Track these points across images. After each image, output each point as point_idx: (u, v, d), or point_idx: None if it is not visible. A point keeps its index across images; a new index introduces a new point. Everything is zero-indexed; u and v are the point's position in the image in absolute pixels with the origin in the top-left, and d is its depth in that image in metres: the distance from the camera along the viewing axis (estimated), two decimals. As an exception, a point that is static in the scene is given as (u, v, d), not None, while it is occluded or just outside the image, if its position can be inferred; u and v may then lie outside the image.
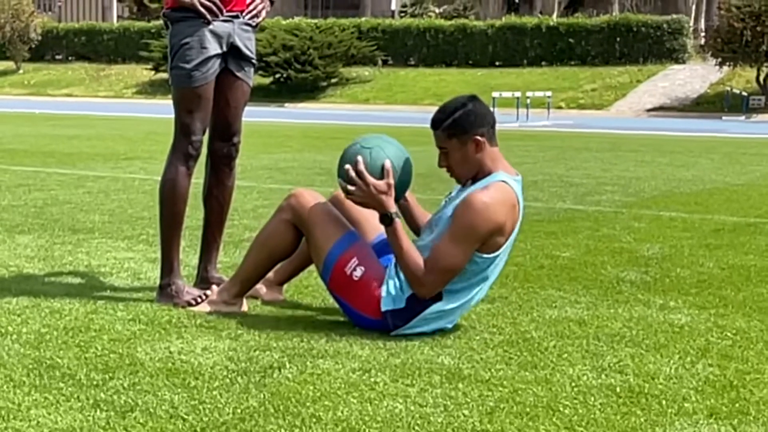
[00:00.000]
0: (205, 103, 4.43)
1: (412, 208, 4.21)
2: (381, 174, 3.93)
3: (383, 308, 3.94)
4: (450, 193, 4.16)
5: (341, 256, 3.99)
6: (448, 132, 3.94)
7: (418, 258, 3.89)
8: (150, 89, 41.56)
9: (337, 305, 4.19)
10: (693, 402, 3.18)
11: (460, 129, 3.92)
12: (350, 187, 3.93)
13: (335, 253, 4.00)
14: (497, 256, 3.96)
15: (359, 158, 3.94)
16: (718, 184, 10.58)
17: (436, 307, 3.94)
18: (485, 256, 3.92)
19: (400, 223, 3.94)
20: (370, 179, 3.91)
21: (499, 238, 3.91)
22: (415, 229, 4.21)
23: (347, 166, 3.94)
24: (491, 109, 4.12)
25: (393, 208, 3.93)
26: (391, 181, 3.93)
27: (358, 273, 3.97)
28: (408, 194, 4.19)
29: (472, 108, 3.95)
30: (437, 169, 4.12)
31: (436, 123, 3.98)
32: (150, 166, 11.07)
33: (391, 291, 3.96)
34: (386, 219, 3.92)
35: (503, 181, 3.94)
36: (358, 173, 3.92)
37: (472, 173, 3.98)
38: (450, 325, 4.03)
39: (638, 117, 32.50)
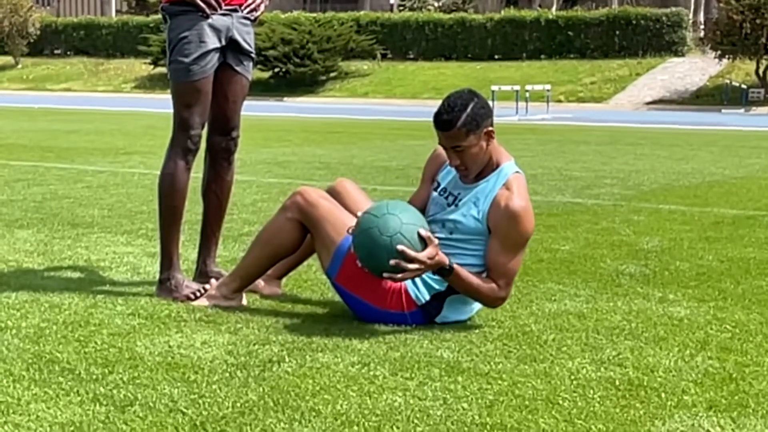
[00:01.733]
0: (204, 98, 4.43)
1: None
2: (422, 243, 3.82)
3: (420, 302, 3.98)
4: (438, 184, 4.14)
5: (351, 249, 3.99)
6: (466, 129, 3.90)
7: (489, 284, 3.94)
8: (149, 84, 41.51)
9: (338, 299, 4.20)
10: (692, 395, 3.18)
11: (475, 124, 3.91)
12: (402, 275, 3.82)
13: (345, 246, 4.00)
14: None
15: (401, 247, 3.77)
16: (717, 177, 10.58)
17: (456, 296, 4.02)
18: None
19: (458, 267, 3.90)
20: (421, 256, 3.80)
21: None
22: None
23: (393, 261, 3.77)
24: (488, 101, 4.14)
25: (447, 260, 3.88)
26: (435, 241, 3.86)
27: None
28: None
29: (479, 100, 3.96)
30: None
31: (449, 123, 3.90)
32: (149, 161, 11.07)
33: (417, 282, 3.99)
34: (446, 271, 3.89)
35: (516, 172, 4.01)
36: (413, 259, 3.79)
37: (482, 166, 4.00)
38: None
39: (637, 110, 32.47)
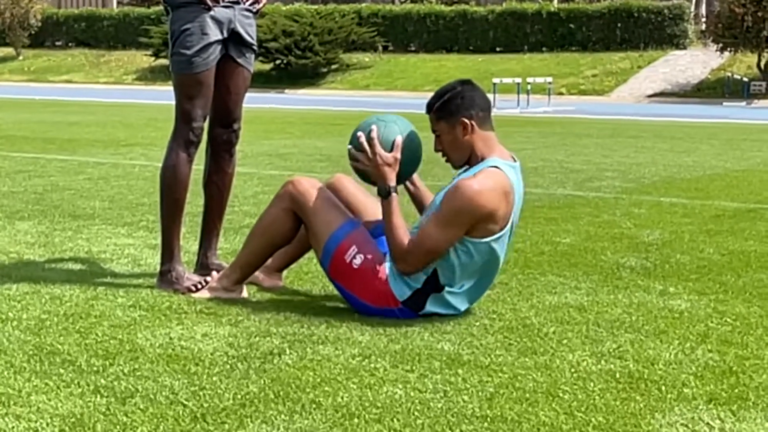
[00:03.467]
0: (206, 90, 4.43)
1: (422, 193, 4.28)
2: (391, 148, 4.00)
3: (401, 298, 3.97)
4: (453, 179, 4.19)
5: (340, 243, 4.00)
6: (437, 114, 4.02)
7: (404, 235, 3.94)
8: (150, 75, 41.47)
9: (337, 292, 4.20)
10: (692, 388, 3.18)
11: (447, 112, 3.99)
12: (358, 155, 4.01)
13: (334, 240, 4.01)
14: (493, 241, 3.96)
15: (373, 127, 4.02)
16: (718, 170, 10.58)
17: (439, 295, 3.98)
18: (476, 241, 3.92)
19: (396, 199, 3.98)
20: (379, 149, 3.98)
21: (491, 225, 3.92)
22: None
23: (359, 134, 4.02)
24: (489, 94, 4.15)
25: (393, 182, 3.98)
26: (398, 156, 3.99)
27: (358, 261, 3.98)
28: (417, 179, 4.27)
29: (460, 91, 4.01)
30: (439, 155, 4.13)
31: (428, 106, 4.07)
32: (150, 153, 11.07)
33: (397, 279, 3.98)
34: (384, 191, 3.98)
35: (495, 167, 3.95)
36: (369, 141, 3.99)
37: (465, 157, 4.02)
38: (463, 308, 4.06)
39: (639, 103, 32.44)
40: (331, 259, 4.04)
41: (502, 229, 3.95)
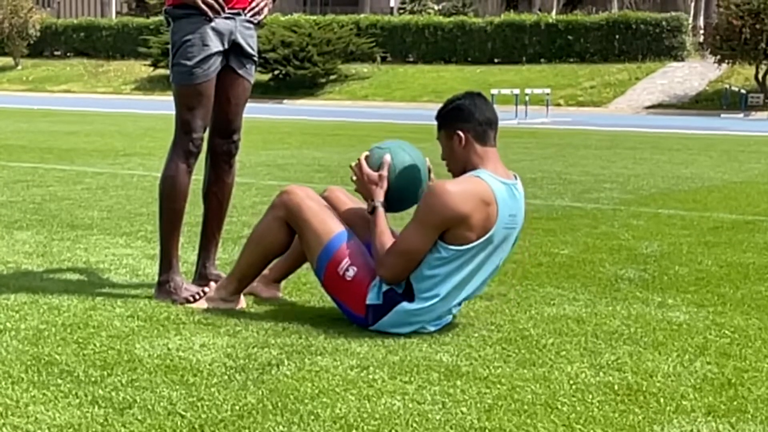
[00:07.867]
0: (206, 101, 4.43)
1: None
2: (379, 167, 4.09)
3: (367, 302, 3.97)
4: None
5: (334, 256, 4.01)
6: (438, 123, 4.06)
7: (387, 241, 3.96)
8: (148, 85, 41.50)
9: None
10: (691, 400, 3.18)
11: (446, 122, 4.02)
12: (352, 176, 4.16)
13: (328, 252, 4.02)
14: (466, 251, 3.88)
15: (365, 153, 4.16)
16: (716, 181, 10.59)
17: (404, 306, 3.91)
18: (450, 247, 3.87)
19: (382, 213, 4.02)
20: (365, 169, 4.08)
21: (466, 232, 3.85)
22: None
23: (365, 154, 4.18)
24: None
25: (379, 198, 4.04)
26: (385, 174, 4.04)
27: (351, 273, 3.99)
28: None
29: (462, 103, 4.01)
30: (435, 165, 4.14)
31: (436, 115, 4.11)
32: (148, 163, 11.08)
33: (376, 285, 3.98)
34: (370, 208, 4.06)
35: (478, 177, 3.91)
36: (359, 164, 4.10)
37: (460, 168, 4.00)
38: (432, 328, 3.96)
39: (637, 114, 32.48)
40: (324, 271, 4.05)
41: (479, 238, 3.88)
